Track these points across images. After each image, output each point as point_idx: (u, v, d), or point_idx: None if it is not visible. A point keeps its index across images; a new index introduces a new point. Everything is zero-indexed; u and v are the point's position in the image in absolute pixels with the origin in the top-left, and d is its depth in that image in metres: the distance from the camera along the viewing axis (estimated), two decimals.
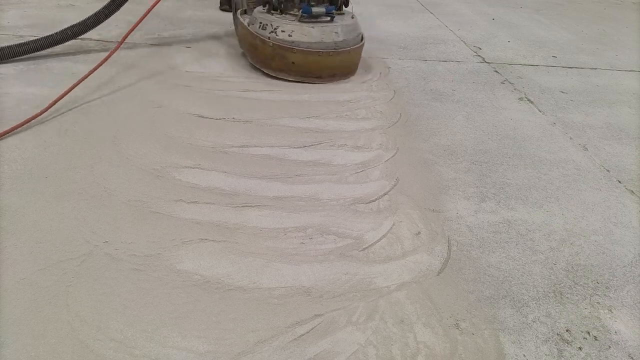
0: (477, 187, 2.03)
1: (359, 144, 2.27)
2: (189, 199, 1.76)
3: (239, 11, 3.25)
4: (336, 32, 2.87)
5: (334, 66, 2.96)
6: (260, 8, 3.04)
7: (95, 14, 2.91)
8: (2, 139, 1.99)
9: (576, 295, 1.52)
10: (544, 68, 3.58)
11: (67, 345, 1.19)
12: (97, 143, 2.05)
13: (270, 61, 2.94)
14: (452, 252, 1.64)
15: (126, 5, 3.01)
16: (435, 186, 2.00)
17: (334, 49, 2.88)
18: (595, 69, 3.68)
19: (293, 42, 2.81)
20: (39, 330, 1.22)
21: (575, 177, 2.18)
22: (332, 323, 1.33)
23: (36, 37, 2.76)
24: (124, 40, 2.72)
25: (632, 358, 1.33)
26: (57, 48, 2.95)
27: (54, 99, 2.24)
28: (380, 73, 3.16)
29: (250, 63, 3.12)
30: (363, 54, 3.25)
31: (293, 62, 2.88)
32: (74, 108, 2.31)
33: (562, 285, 1.56)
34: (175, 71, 2.85)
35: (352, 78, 3.11)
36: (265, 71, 3.01)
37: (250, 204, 1.78)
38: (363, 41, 3.11)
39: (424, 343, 1.29)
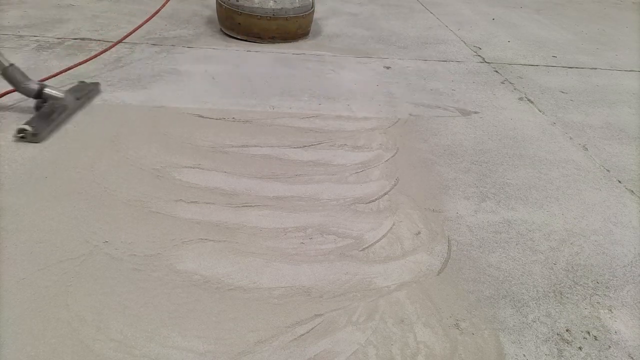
0: (477, 187, 2.03)
1: (359, 144, 2.27)
2: (189, 199, 1.76)
3: None
4: (275, 1, 3.32)
5: (271, 30, 3.43)
6: None
7: None
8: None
9: (576, 295, 1.52)
10: (544, 68, 3.58)
11: (67, 345, 1.19)
12: (97, 143, 2.05)
13: (225, 21, 3.50)
14: (452, 252, 1.64)
15: (126, 5, 3.02)
16: (435, 186, 2.00)
17: (272, 15, 3.35)
18: (595, 69, 3.68)
19: (239, 6, 3.33)
20: (39, 330, 1.22)
21: (575, 177, 2.18)
22: (332, 323, 1.33)
23: (36, 37, 2.74)
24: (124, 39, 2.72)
25: (632, 358, 1.33)
26: (58, 48, 2.96)
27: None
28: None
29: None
30: (362, 54, 3.26)
31: (239, 23, 3.40)
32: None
33: (562, 285, 1.56)
34: (175, 71, 2.85)
35: (299, 44, 3.55)
36: (223, 30, 3.55)
37: (250, 204, 1.78)
38: (308, 12, 3.54)
39: (424, 343, 1.29)
